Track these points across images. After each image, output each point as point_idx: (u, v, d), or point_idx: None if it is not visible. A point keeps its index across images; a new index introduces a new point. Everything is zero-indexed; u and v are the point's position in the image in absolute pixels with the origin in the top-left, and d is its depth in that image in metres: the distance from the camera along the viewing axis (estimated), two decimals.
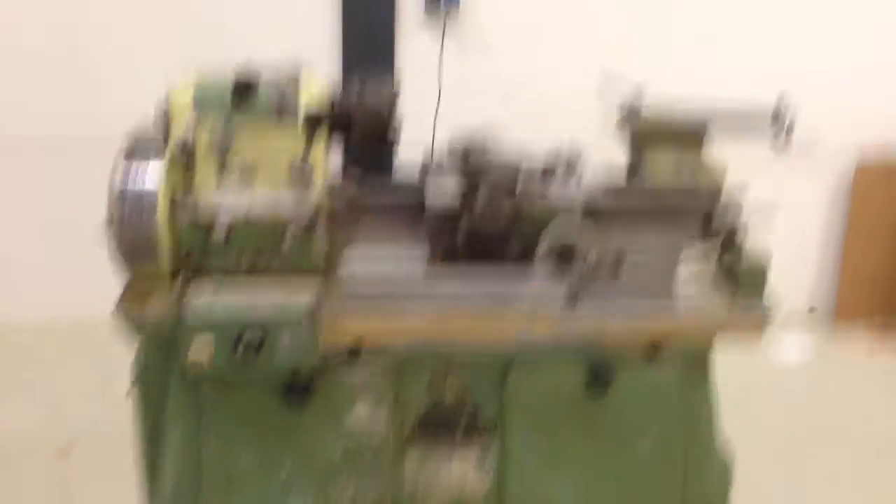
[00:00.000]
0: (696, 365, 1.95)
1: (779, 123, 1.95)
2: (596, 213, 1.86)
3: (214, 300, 1.76)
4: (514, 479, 1.94)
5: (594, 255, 1.80)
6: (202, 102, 1.81)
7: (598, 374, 1.88)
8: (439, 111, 3.82)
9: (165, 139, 1.83)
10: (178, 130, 1.79)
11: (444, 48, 3.85)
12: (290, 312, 1.74)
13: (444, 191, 1.84)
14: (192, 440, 1.89)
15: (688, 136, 1.96)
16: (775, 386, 3.69)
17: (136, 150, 1.78)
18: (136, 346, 1.93)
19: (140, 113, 1.95)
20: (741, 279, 1.89)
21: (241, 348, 1.73)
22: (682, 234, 1.94)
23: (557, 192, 1.83)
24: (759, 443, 3.06)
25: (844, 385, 3.80)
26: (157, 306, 1.87)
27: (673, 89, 2.00)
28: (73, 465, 3.02)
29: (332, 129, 1.80)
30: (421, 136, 3.68)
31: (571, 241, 1.78)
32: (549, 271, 1.79)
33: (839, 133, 3.95)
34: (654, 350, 1.91)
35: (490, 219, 1.78)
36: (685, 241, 1.95)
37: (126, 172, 1.74)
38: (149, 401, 1.92)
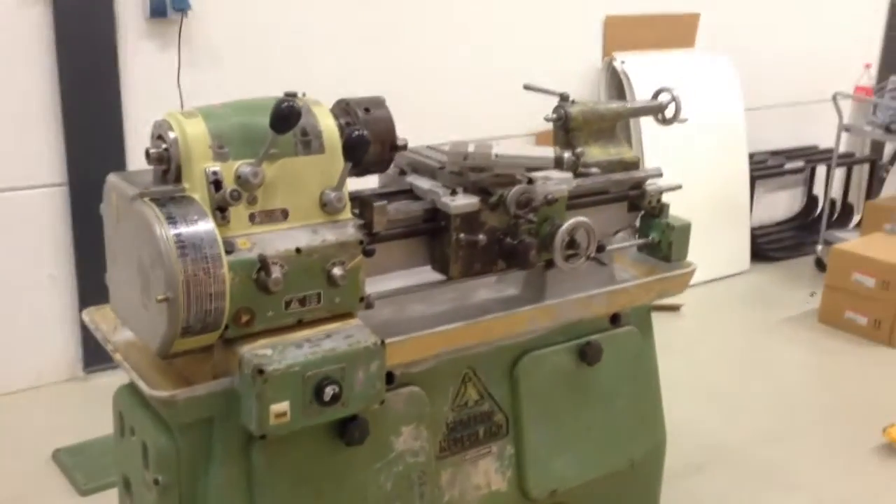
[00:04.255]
0: (644, 320, 2.26)
1: (663, 108, 2.32)
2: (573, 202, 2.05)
3: (281, 354, 1.60)
4: (531, 466, 2.07)
5: (584, 240, 1.99)
6: (221, 135, 1.61)
7: (588, 347, 2.10)
8: None
9: (177, 178, 1.60)
10: (197, 167, 1.58)
11: (177, 56, 3.59)
12: (363, 353, 1.66)
13: (456, 196, 1.88)
14: None
15: (607, 127, 2.23)
16: None
17: (170, 200, 1.53)
18: (160, 437, 1.66)
19: None
20: (672, 244, 2.23)
21: (326, 395, 1.61)
22: (621, 212, 2.23)
23: (556, 186, 1.97)
24: None
25: None
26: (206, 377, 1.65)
27: None
28: None
29: (358, 150, 1.72)
30: None
31: (576, 231, 1.95)
32: (562, 259, 1.94)
33: None
34: (616, 317, 2.19)
35: (524, 211, 1.86)
36: (624, 218, 2.24)
37: (174, 225, 1.49)
38: (182, 489, 1.68)
